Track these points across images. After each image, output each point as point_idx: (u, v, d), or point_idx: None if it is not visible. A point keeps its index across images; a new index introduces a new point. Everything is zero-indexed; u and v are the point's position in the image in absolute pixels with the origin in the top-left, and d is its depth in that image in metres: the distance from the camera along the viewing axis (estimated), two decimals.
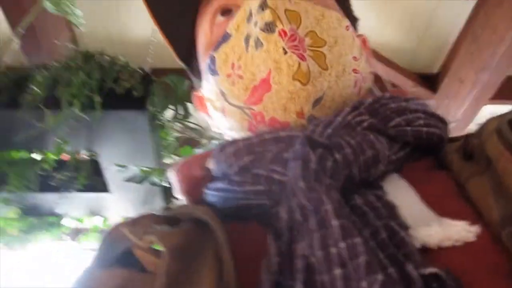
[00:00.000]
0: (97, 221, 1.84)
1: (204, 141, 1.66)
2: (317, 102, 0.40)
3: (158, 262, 0.31)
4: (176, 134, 1.55)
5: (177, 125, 1.51)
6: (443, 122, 0.41)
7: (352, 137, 0.35)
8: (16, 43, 1.46)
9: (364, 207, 0.32)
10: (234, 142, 0.39)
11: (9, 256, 1.70)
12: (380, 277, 0.25)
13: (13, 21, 1.52)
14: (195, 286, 0.30)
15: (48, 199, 1.56)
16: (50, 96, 1.24)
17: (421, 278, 0.26)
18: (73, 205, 1.59)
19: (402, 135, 0.37)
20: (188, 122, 1.48)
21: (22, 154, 1.42)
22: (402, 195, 0.34)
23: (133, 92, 1.31)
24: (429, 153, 0.40)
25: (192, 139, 1.63)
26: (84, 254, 1.85)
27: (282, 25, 0.40)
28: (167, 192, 1.60)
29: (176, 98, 1.41)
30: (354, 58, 0.43)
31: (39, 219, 1.63)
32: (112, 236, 0.37)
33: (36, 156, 1.43)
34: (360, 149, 0.34)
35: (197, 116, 1.54)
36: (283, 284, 0.28)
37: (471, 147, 0.36)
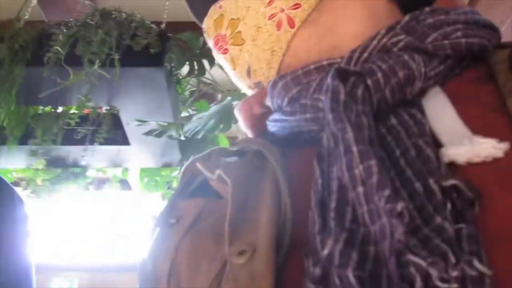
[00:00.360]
0: (119, 172, 1.93)
1: (218, 95, 1.71)
2: (248, 73, 0.46)
3: (227, 191, 0.35)
4: (192, 89, 1.60)
5: (193, 80, 1.55)
6: (488, 29, 0.39)
7: (385, 60, 0.36)
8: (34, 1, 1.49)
9: (398, 126, 0.34)
10: (283, 76, 0.42)
11: (38, 203, 1.81)
12: (387, 192, 0.28)
13: None
14: (258, 207, 0.34)
15: (72, 152, 1.64)
16: (71, 54, 1.29)
17: (442, 190, 0.29)
18: (96, 157, 1.68)
19: (441, 50, 0.37)
20: (203, 77, 1.52)
21: (47, 109, 1.49)
22: (439, 111, 0.35)
23: (150, 49, 1.35)
24: (481, 61, 0.39)
25: (207, 93, 1.68)
26: (108, 201, 1.95)
27: (212, 37, 0.48)
28: (183, 145, 1.67)
29: (191, 54, 1.44)
30: (269, 3, 0.44)
31: (64, 170, 1.73)
32: (190, 170, 0.42)
33: (60, 111, 1.50)
34: (391, 71, 0.35)
35: (212, 72, 1.58)
36: (326, 201, 0.32)
37: None
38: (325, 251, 0.28)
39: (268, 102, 0.44)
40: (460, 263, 0.25)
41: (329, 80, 0.35)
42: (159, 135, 1.53)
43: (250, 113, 0.46)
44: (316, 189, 0.33)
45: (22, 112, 1.46)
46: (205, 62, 1.46)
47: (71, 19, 1.42)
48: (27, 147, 1.54)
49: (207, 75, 1.52)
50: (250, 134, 0.46)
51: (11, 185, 0.82)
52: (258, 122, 0.45)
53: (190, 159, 0.43)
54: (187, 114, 1.63)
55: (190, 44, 1.45)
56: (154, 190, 1.86)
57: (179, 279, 0.34)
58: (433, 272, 0.25)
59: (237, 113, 0.47)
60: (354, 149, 0.31)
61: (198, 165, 0.40)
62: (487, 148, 0.31)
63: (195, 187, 0.41)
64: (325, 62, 0.40)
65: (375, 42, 0.39)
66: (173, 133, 1.53)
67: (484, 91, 0.37)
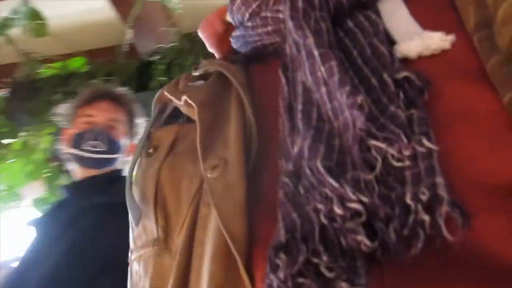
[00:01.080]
0: None
1: None
2: None
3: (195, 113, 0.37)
4: None
5: None
6: None
7: None
8: (129, 33, 1.72)
9: (355, 29, 0.36)
10: None
11: None
12: (347, 88, 0.30)
13: (121, 13, 1.77)
14: (226, 124, 0.36)
15: None
16: (169, 79, 1.50)
17: (395, 82, 0.31)
18: None
19: None
20: None
21: None
22: (393, 11, 0.36)
23: None
24: None
25: None
26: None
27: None
28: None
29: None
30: None
31: None
32: (160, 100, 0.44)
33: None
34: None
35: None
36: (293, 105, 0.34)
37: None
38: (295, 149, 0.31)
39: (229, 18, 0.43)
40: (412, 143, 0.28)
41: None
42: None
43: (212, 30, 0.46)
44: (283, 97, 0.35)
45: None
46: None
47: (162, 46, 1.64)
48: None
49: None
50: (216, 54, 0.47)
51: None
52: (222, 41, 0.45)
53: (160, 90, 0.45)
54: None
55: None
56: None
57: (164, 198, 0.38)
58: (392, 152, 0.28)
59: (200, 33, 0.47)
60: (316, 52, 0.32)
61: (166, 93, 0.42)
62: (435, 41, 0.33)
63: (168, 115, 0.43)
64: None
65: None
66: None
67: None
